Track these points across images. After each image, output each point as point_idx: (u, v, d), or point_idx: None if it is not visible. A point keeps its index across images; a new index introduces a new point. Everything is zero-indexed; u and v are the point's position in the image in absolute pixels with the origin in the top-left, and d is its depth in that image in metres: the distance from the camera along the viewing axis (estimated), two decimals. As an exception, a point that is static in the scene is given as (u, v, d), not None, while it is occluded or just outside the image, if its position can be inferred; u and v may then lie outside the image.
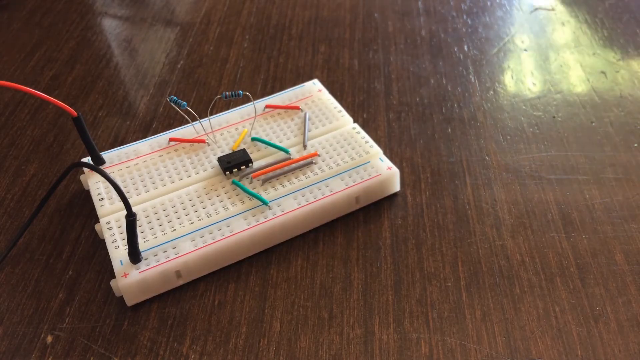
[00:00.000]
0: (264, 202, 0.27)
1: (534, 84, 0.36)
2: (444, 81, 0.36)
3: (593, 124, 0.33)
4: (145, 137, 0.32)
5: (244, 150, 0.30)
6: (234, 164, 0.29)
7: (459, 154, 0.32)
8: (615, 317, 0.25)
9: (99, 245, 0.28)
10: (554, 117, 0.34)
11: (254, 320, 0.25)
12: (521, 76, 0.37)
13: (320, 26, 0.41)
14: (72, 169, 0.27)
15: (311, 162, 0.29)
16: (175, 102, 0.30)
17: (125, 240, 0.25)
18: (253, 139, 0.31)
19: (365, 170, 0.29)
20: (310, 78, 0.36)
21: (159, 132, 0.33)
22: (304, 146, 0.30)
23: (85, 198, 0.31)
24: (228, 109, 0.33)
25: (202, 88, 0.37)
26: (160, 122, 0.35)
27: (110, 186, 0.28)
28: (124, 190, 0.27)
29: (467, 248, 0.27)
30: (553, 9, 0.40)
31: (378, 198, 0.29)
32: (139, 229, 0.26)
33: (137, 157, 0.30)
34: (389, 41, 0.39)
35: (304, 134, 0.31)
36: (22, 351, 0.25)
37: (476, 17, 0.41)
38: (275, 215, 0.27)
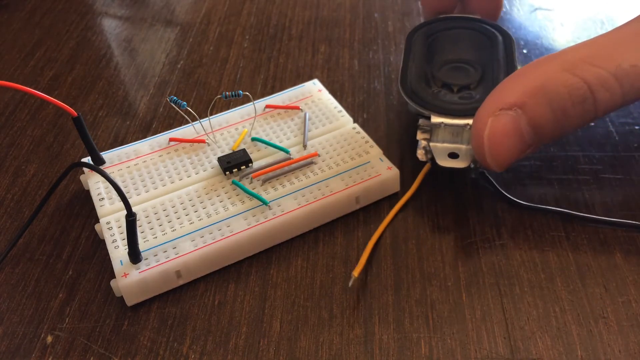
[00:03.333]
0: (264, 202, 0.27)
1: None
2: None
3: (593, 124, 0.33)
4: (145, 137, 0.32)
5: (244, 150, 0.30)
6: (234, 164, 0.29)
7: (459, 154, 0.32)
8: (615, 317, 0.24)
9: (99, 245, 0.28)
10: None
11: (254, 320, 0.25)
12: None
13: (320, 26, 0.41)
14: (72, 169, 0.27)
15: (311, 162, 0.29)
16: (175, 102, 0.30)
17: (125, 240, 0.25)
18: (253, 139, 0.31)
19: (365, 170, 0.29)
20: (310, 78, 0.36)
21: (159, 132, 0.33)
22: (304, 146, 0.30)
23: (85, 198, 0.31)
24: (228, 109, 0.33)
25: (202, 88, 0.37)
26: (160, 122, 0.35)
27: (110, 186, 0.28)
28: (124, 190, 0.27)
29: (467, 248, 0.27)
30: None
31: (378, 198, 0.29)
32: (139, 229, 0.27)
33: (137, 157, 0.30)
34: (389, 41, 0.39)
35: (304, 134, 0.31)
36: (22, 351, 0.25)
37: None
38: (275, 215, 0.27)
